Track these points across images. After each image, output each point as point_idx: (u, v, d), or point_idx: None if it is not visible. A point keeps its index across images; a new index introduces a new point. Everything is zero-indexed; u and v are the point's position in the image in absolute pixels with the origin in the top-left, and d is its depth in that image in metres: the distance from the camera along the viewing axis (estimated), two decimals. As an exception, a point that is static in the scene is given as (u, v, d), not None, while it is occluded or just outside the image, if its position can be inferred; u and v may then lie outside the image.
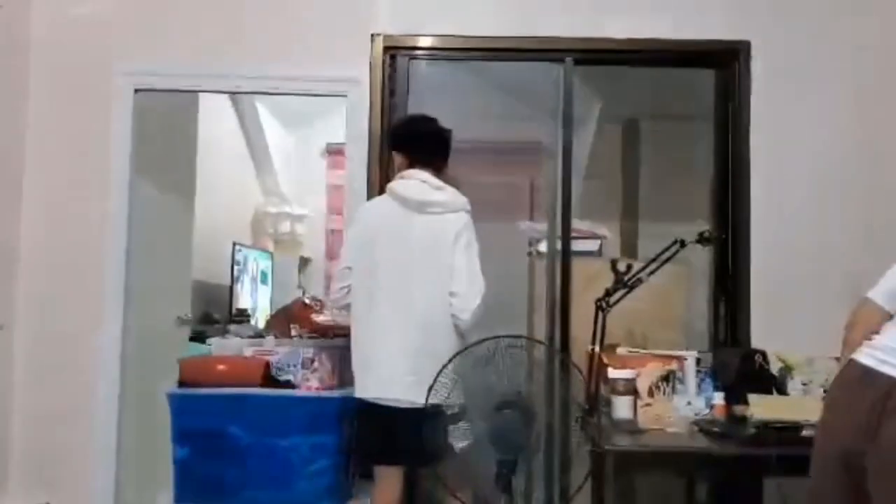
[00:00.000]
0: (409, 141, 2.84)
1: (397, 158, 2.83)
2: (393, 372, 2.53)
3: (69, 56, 3.25)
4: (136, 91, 3.28)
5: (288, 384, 2.70)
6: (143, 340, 3.30)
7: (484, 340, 2.43)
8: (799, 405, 2.58)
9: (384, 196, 2.77)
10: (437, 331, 2.57)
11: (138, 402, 3.21)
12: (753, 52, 3.26)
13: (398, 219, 2.66)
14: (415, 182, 2.72)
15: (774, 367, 2.82)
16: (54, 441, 3.15)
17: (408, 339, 2.55)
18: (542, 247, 3.33)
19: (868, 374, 1.93)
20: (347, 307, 2.70)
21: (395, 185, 2.75)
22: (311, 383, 2.68)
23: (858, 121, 3.22)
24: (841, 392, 1.99)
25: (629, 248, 4.12)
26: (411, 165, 2.77)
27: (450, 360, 2.42)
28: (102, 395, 3.17)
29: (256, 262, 5.06)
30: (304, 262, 5.71)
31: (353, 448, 2.71)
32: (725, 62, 3.32)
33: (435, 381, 2.41)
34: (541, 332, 3.20)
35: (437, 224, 2.66)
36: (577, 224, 3.34)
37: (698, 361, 2.82)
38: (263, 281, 5.15)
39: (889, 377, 1.88)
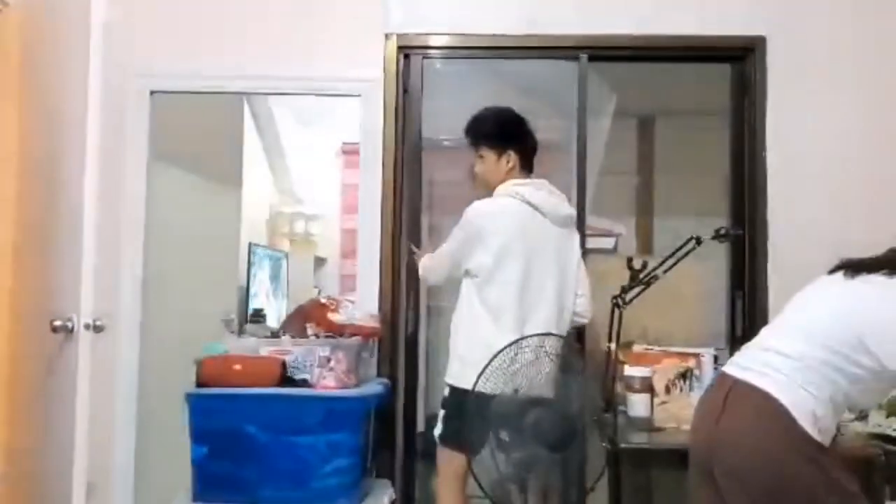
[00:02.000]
0: (524, 139, 2.81)
1: (506, 157, 2.76)
2: None
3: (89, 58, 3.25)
4: (152, 93, 3.30)
5: (304, 383, 2.71)
6: (189, 341, 3.16)
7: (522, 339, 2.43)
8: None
9: (510, 200, 2.70)
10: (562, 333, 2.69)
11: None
12: (769, 47, 3.24)
13: (538, 229, 2.70)
14: (545, 193, 2.75)
15: (792, 364, 2.80)
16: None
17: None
18: (558, 244, 3.32)
19: (717, 378, 1.96)
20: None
21: (528, 192, 2.70)
22: (327, 382, 2.69)
23: (875, 115, 3.19)
24: (699, 402, 2.02)
25: (645, 245, 4.11)
26: (522, 167, 2.78)
27: (499, 353, 2.41)
28: (121, 393, 3.20)
29: (271, 262, 5.07)
30: (318, 262, 5.72)
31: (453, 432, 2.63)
32: (741, 57, 3.30)
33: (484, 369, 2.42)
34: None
35: (571, 241, 2.81)
36: (593, 221, 3.32)
37: (715, 359, 2.82)
38: (278, 281, 5.17)
39: (731, 377, 1.90)
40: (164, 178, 3.37)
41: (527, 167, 2.82)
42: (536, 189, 2.75)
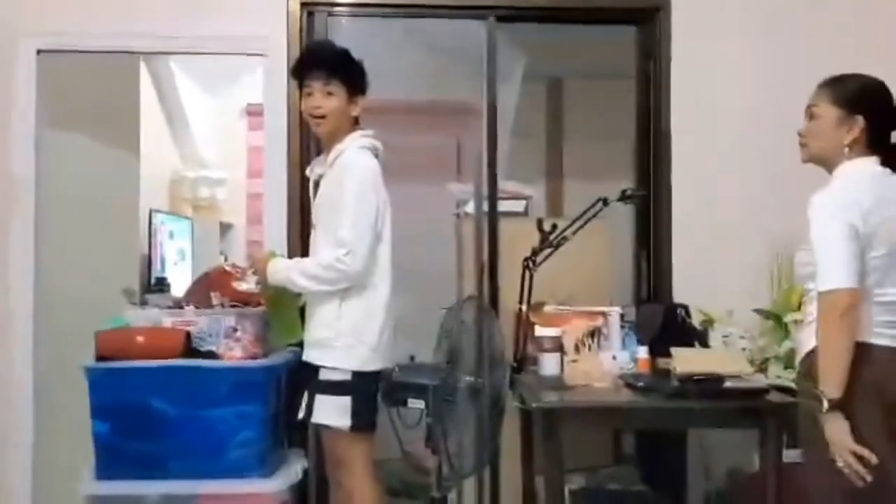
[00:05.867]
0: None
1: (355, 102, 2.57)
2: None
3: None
4: (39, 52, 3.11)
5: (211, 354, 2.63)
6: (90, 314, 2.93)
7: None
8: (720, 358, 2.64)
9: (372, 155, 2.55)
10: None
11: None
12: (673, 10, 3.27)
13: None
14: None
15: (696, 321, 2.89)
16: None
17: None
18: (470, 208, 3.31)
19: None
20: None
21: (379, 144, 2.57)
22: (234, 353, 2.62)
23: (779, 77, 3.26)
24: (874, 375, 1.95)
25: (555, 207, 4.16)
26: None
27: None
28: (17, 372, 3.08)
29: (174, 229, 4.90)
30: (224, 228, 5.57)
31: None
32: (646, 19, 3.33)
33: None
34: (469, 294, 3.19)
35: None
36: (504, 184, 3.32)
37: (622, 317, 2.87)
38: (182, 248, 5.01)
39: None
40: (55, 144, 3.20)
41: None
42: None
